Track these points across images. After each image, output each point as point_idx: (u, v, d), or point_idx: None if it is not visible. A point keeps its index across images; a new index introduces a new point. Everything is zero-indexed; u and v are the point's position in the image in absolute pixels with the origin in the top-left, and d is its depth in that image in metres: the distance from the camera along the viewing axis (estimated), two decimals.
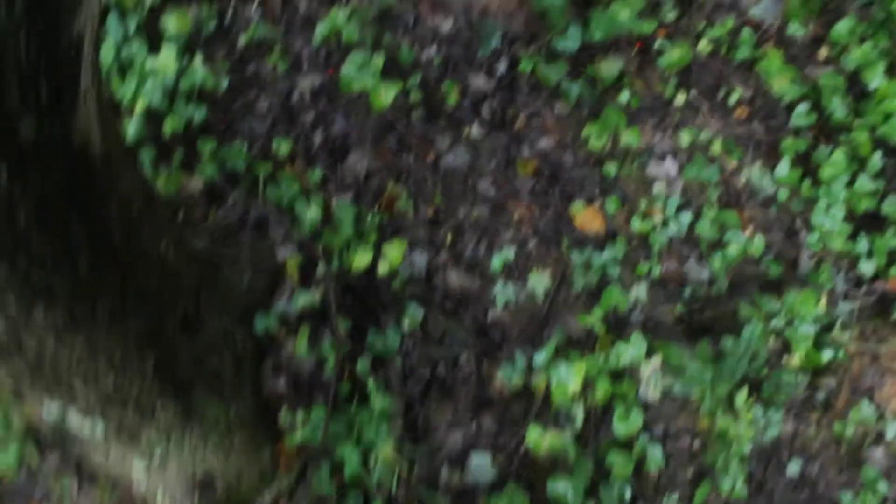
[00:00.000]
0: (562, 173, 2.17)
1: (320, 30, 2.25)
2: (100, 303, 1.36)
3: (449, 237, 2.13)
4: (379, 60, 2.19)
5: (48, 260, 1.18)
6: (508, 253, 2.11)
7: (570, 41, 2.18)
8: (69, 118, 1.16)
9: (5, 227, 1.09)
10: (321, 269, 2.08)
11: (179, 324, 1.67)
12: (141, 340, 1.51)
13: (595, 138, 2.13)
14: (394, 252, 2.06)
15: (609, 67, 2.20)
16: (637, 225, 2.13)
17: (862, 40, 2.36)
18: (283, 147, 2.17)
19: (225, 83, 2.25)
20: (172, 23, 2.27)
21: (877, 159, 2.26)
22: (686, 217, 2.14)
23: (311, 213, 2.10)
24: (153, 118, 2.21)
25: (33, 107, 1.06)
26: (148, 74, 2.23)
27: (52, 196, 1.15)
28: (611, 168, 2.16)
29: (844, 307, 2.19)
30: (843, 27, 2.33)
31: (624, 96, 2.21)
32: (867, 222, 2.23)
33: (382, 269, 2.07)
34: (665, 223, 2.14)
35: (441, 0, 2.30)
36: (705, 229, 2.14)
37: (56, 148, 1.14)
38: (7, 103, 1.02)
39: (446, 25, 2.28)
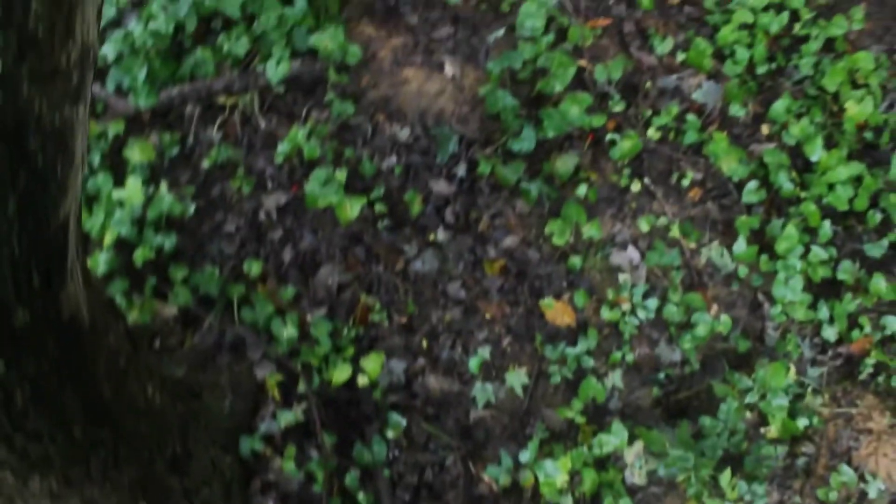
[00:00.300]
0: (529, 270, 2.23)
1: (281, 149, 2.31)
2: (93, 461, 1.37)
3: (424, 343, 2.16)
4: (342, 175, 2.24)
5: (44, 434, 1.20)
6: (484, 353, 2.15)
7: (525, 142, 2.26)
8: (59, 295, 1.19)
9: (3, 411, 1.11)
10: (302, 385, 2.10)
11: (169, 464, 1.68)
12: (133, 487, 1.52)
13: (558, 234, 2.20)
14: (372, 365, 2.09)
15: (564, 164, 2.27)
16: (606, 315, 2.19)
17: (799, 116, 2.48)
18: (254, 267, 2.20)
19: (192, 208, 2.29)
20: (136, 153, 2.31)
21: (826, 228, 2.35)
22: (653, 303, 2.20)
23: (287, 331, 2.13)
24: (123, 248, 2.23)
25: (26, 296, 1.09)
26: (115, 205, 2.26)
27: (47, 373, 1.17)
28: (576, 261, 2.23)
29: (813, 373, 2.25)
30: (779, 106, 2.44)
31: (581, 190, 2.29)
32: (825, 289, 2.32)
33: (362, 381, 2.09)
34: (633, 310, 2.20)
35: (396, 109, 2.38)
36: (672, 313, 2.20)
37: (48, 326, 1.17)
38: (2, 297, 1.05)
39: (404, 134, 2.35)
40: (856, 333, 2.29)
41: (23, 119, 0.98)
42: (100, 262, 2.20)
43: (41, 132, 1.01)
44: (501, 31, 2.47)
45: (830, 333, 2.27)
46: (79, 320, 1.28)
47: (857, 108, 2.49)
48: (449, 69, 2.42)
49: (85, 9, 0.97)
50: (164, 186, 2.29)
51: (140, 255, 2.20)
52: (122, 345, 1.51)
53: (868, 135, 2.52)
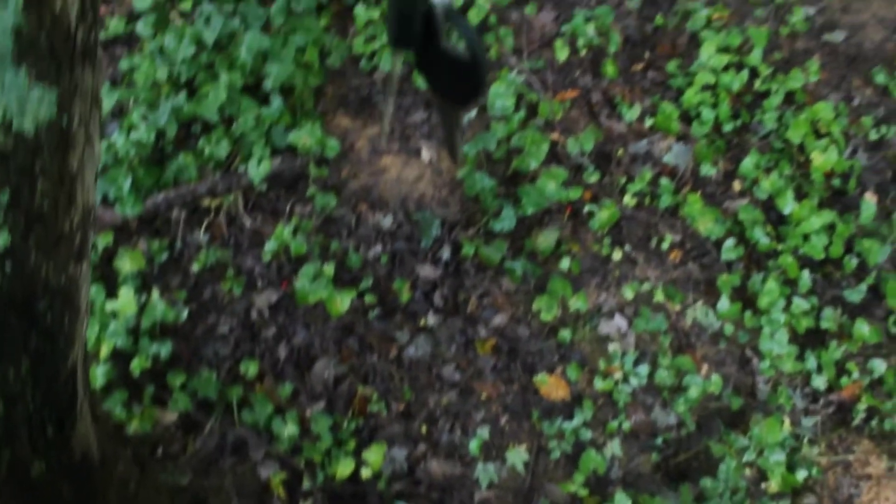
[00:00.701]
0: (520, 347, 2.27)
1: (269, 247, 2.35)
2: None
3: (424, 428, 2.19)
4: (329, 269, 2.29)
5: None
6: (483, 433, 2.18)
7: (506, 221, 2.32)
8: (70, 439, 1.22)
9: None
10: (307, 482, 2.12)
11: None
12: None
13: (545, 310, 2.25)
14: (374, 456, 2.11)
15: (546, 239, 2.33)
16: (600, 385, 2.23)
17: (768, 170, 2.55)
18: (250, 368, 2.23)
19: (185, 313, 2.32)
20: (126, 263, 2.35)
21: (806, 278, 2.41)
22: (644, 369, 2.24)
23: (287, 429, 2.16)
24: (120, 359, 2.26)
25: (42, 448, 1.12)
26: (109, 317, 2.30)
27: None
28: (565, 334, 2.27)
29: (808, 423, 2.29)
30: (748, 162, 2.52)
31: (565, 263, 2.34)
32: (810, 339, 2.37)
33: (366, 473, 2.12)
34: (625, 378, 2.24)
35: (378, 198, 2.44)
36: (664, 377, 2.24)
37: (62, 471, 1.20)
38: (19, 450, 1.09)
39: (387, 222, 2.40)
40: (845, 380, 2.33)
41: (31, 286, 1.02)
42: (98, 375, 2.22)
43: (48, 294, 1.05)
44: (473, 113, 2.54)
45: (820, 382, 2.32)
46: (89, 457, 1.31)
47: (823, 158, 2.57)
48: (426, 154, 2.48)
49: (85, 176, 1.02)
50: (155, 293, 2.32)
51: (137, 365, 2.23)
52: (130, 471, 1.53)
53: (836, 182, 2.60)
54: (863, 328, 2.36)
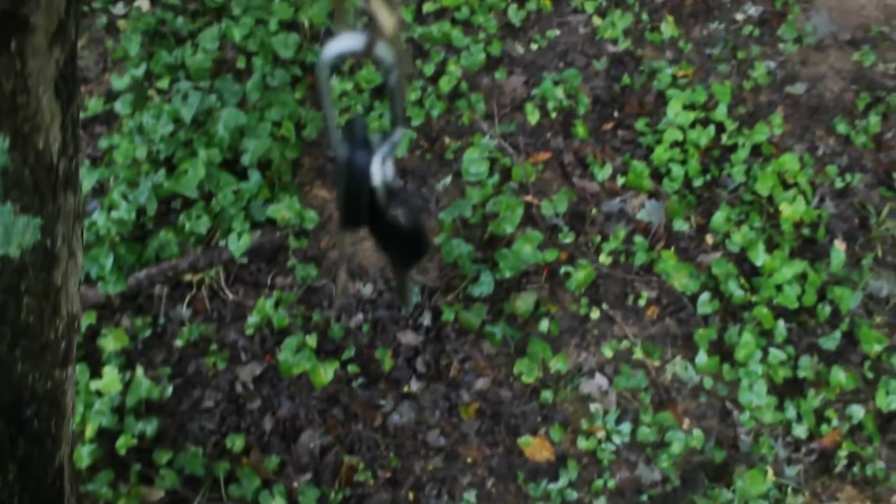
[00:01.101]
0: (503, 410, 2.29)
1: (251, 320, 2.38)
2: None
3: (411, 495, 2.20)
4: (312, 340, 2.32)
5: None
6: (470, 497, 2.19)
7: (484, 286, 2.36)
8: None
9: None
10: None
11: None
12: None
13: (526, 373, 2.28)
14: None
15: (524, 302, 2.37)
16: (583, 444, 2.25)
17: (739, 223, 2.62)
18: (237, 442, 2.24)
19: (169, 389, 2.34)
20: (110, 342, 2.37)
21: (781, 328, 2.46)
22: (626, 427, 2.27)
23: (276, 502, 2.16)
24: (105, 437, 2.26)
25: None
26: (94, 396, 2.31)
27: None
28: (547, 396, 2.30)
29: (791, 472, 2.32)
30: (719, 217, 2.58)
31: (544, 325, 2.38)
32: (789, 388, 2.40)
33: None
34: (608, 437, 2.26)
35: (357, 267, 2.48)
36: (646, 434, 2.27)
37: None
38: None
39: (367, 290, 2.44)
40: (825, 427, 2.37)
41: (18, 394, 1.05)
42: (83, 455, 2.22)
43: (35, 400, 1.07)
44: (448, 179, 2.60)
45: (801, 431, 2.35)
46: None
47: (791, 208, 2.63)
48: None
49: (69, 287, 1.05)
50: (140, 371, 2.34)
51: (123, 444, 2.24)
52: None
53: (805, 231, 2.66)
54: (839, 375, 2.40)
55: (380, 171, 0.53)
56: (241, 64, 2.81)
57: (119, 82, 2.77)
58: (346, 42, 0.45)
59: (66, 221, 0.93)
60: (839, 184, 2.77)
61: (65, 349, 1.11)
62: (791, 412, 2.36)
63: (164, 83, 2.77)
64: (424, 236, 0.55)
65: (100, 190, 2.63)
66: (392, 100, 0.49)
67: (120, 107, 2.73)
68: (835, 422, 2.37)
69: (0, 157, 0.77)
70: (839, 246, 2.65)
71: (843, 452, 2.34)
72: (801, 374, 2.41)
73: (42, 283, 0.97)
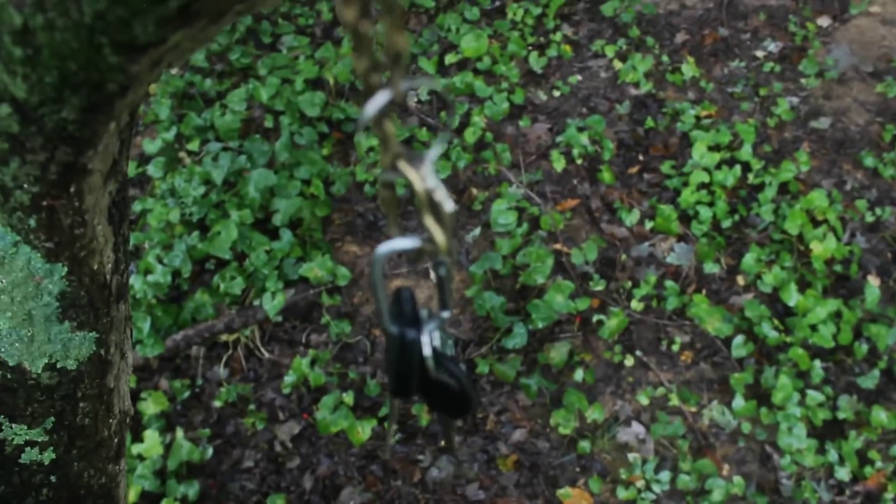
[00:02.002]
0: (541, 461, 2.29)
1: (288, 379, 2.40)
2: None
3: None
4: (349, 398, 2.34)
5: None
6: None
7: (517, 338, 2.37)
8: None
9: None
10: None
11: None
12: None
13: (563, 424, 2.28)
14: None
15: (558, 352, 2.38)
16: (623, 494, 2.24)
17: (770, 263, 2.61)
18: (277, 502, 2.26)
19: (210, 451, 2.36)
20: (150, 405, 2.40)
21: (818, 368, 2.44)
22: (665, 475, 2.26)
23: None
24: (148, 501, 2.29)
25: None
26: (136, 460, 2.34)
27: None
28: (585, 446, 2.30)
29: None
30: (749, 258, 2.58)
31: (578, 374, 2.38)
32: (829, 430, 2.38)
33: None
34: (648, 486, 2.25)
35: None
36: (686, 482, 2.25)
37: None
38: None
39: None
40: (868, 469, 2.34)
41: (74, 491, 1.07)
42: None
43: (91, 495, 1.10)
44: (478, 230, 2.62)
45: (843, 474, 2.32)
46: None
47: (822, 245, 2.62)
48: (434, 275, 2.55)
49: (121, 386, 1.08)
50: (180, 433, 2.37)
51: None
52: None
53: (837, 268, 2.65)
54: (880, 414, 2.38)
55: (429, 344, 0.56)
56: (268, 123, 2.86)
57: (151, 146, 2.83)
58: (400, 244, 0.50)
59: (118, 329, 0.97)
60: (869, 218, 2.75)
61: (117, 445, 1.14)
62: (833, 454, 2.34)
63: (194, 145, 2.83)
64: (471, 395, 0.58)
65: (135, 253, 2.68)
66: (441, 287, 0.53)
67: (152, 170, 2.78)
68: (878, 463, 2.34)
69: (59, 282, 0.80)
70: (873, 281, 2.64)
71: (889, 494, 2.31)
72: (841, 414, 2.39)
73: (97, 388, 1.00)
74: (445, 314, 0.56)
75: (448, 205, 0.47)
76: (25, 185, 0.72)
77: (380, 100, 0.43)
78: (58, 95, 0.62)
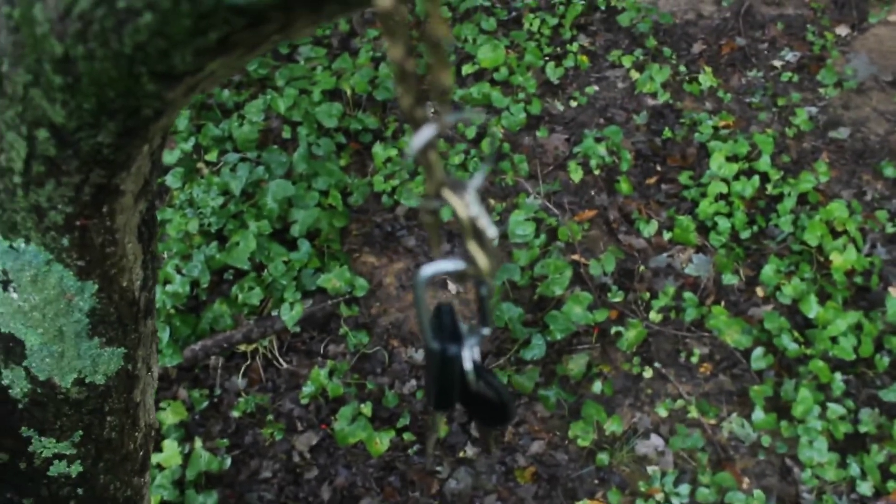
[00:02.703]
0: (559, 473, 2.28)
1: (306, 390, 2.41)
2: None
3: None
4: (367, 409, 2.34)
5: None
6: None
7: (536, 349, 2.37)
8: None
9: None
10: None
11: None
12: None
13: (582, 435, 2.27)
14: None
15: (577, 363, 2.37)
16: None
17: (789, 275, 2.59)
18: None
19: (228, 461, 2.37)
20: (169, 415, 2.41)
21: (838, 381, 2.42)
22: (685, 488, 2.24)
23: None
24: None
25: None
26: (155, 470, 2.34)
27: None
28: (603, 458, 2.28)
29: None
30: (769, 269, 2.56)
31: (597, 386, 2.37)
32: (850, 444, 2.36)
33: None
34: (667, 499, 2.24)
35: (409, 332, 2.50)
36: (705, 495, 2.24)
37: None
38: None
39: (418, 356, 2.46)
40: (891, 484, 2.31)
41: (100, 502, 1.08)
42: None
43: None
44: (496, 241, 2.62)
45: (866, 488, 2.30)
46: None
47: (842, 257, 2.61)
48: (452, 285, 2.55)
49: (146, 400, 1.08)
50: (198, 443, 2.37)
51: None
52: None
53: (858, 279, 2.63)
54: None
55: (469, 359, 0.57)
56: (286, 134, 2.88)
57: (170, 157, 2.84)
58: (443, 266, 0.51)
59: (145, 344, 0.97)
60: (890, 229, 2.74)
61: (142, 458, 1.14)
62: (854, 468, 2.31)
63: (212, 156, 2.84)
64: (510, 406, 0.59)
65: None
66: (482, 306, 0.54)
67: (171, 180, 2.80)
68: None
69: (90, 300, 0.81)
70: (894, 293, 2.61)
71: None
72: (863, 428, 2.37)
73: (123, 402, 1.01)
74: (486, 331, 0.57)
75: (491, 231, 0.48)
76: (59, 206, 0.74)
77: (426, 133, 0.44)
78: (95, 121, 0.63)
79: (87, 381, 0.91)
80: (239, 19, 0.49)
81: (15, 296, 0.80)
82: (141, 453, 1.12)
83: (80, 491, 1.04)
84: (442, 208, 0.50)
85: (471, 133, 2.87)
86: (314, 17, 0.52)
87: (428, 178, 0.48)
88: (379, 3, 0.39)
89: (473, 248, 0.50)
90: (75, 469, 1.01)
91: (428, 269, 0.53)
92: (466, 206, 0.48)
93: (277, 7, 0.48)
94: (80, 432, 0.97)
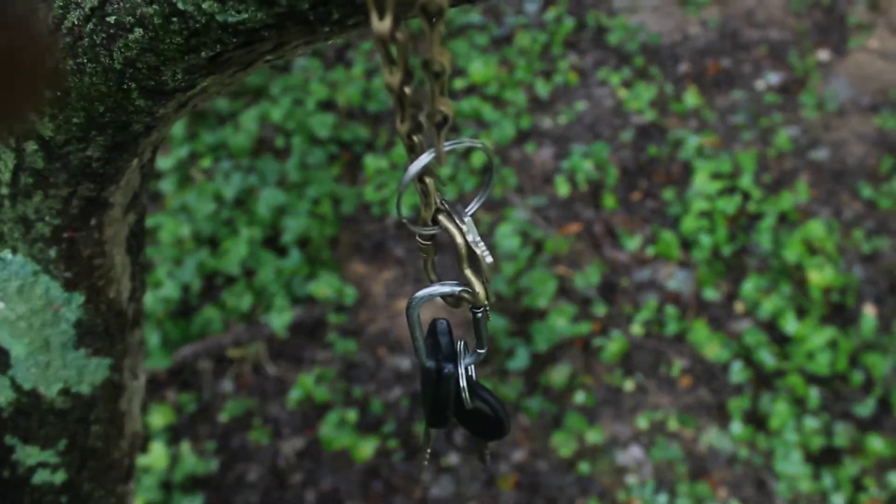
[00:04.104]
0: (541, 482, 2.33)
1: (293, 395, 2.45)
2: None
3: None
4: (353, 415, 2.38)
5: None
6: None
7: (520, 360, 2.42)
8: None
9: None
10: None
11: None
12: None
13: (563, 446, 2.32)
14: None
15: (560, 374, 2.42)
16: None
17: (768, 291, 2.66)
18: None
19: (214, 463, 2.40)
20: (158, 418, 2.44)
21: (814, 396, 2.48)
22: (663, 498, 2.30)
23: None
24: None
25: None
26: (141, 472, 2.37)
27: None
28: (584, 467, 2.33)
29: None
30: (749, 286, 2.63)
31: (579, 397, 2.43)
32: (825, 457, 2.42)
33: None
34: None
35: (396, 341, 2.54)
36: None
37: None
38: None
39: (404, 364, 2.50)
40: (863, 496, 2.37)
41: None
42: None
43: None
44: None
45: (839, 500, 2.36)
46: None
47: (820, 275, 2.68)
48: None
49: (132, 409, 1.12)
50: (185, 446, 2.41)
51: None
52: None
53: (835, 297, 2.70)
54: (875, 442, 2.42)
55: (464, 377, 0.59)
56: (280, 143, 2.92)
57: (164, 162, 2.88)
58: (438, 290, 0.53)
59: (133, 354, 0.99)
60: (866, 248, 2.81)
61: (128, 466, 1.17)
62: (828, 481, 2.37)
63: (206, 163, 2.88)
64: (505, 421, 0.61)
65: (146, 268, 2.72)
66: (477, 328, 0.56)
67: (165, 186, 2.84)
68: (873, 490, 2.38)
69: (76, 310, 0.82)
70: (869, 311, 2.68)
71: None
72: (837, 442, 2.43)
73: (109, 411, 1.02)
74: (482, 351, 0.58)
75: (487, 258, 0.50)
76: (47, 218, 0.74)
77: (423, 160, 0.46)
78: (84, 135, 0.63)
79: (72, 391, 0.92)
80: (231, 38, 0.48)
81: (1, 305, 0.80)
82: (126, 461, 1.15)
83: (63, 499, 1.06)
84: (437, 233, 0.53)
85: (460, 146, 2.92)
86: (309, 37, 0.51)
87: (425, 205, 0.50)
88: (376, 28, 0.40)
89: (469, 273, 0.52)
90: (59, 477, 1.03)
91: (422, 293, 0.55)
92: (464, 232, 0.51)
93: (271, 26, 0.47)
94: (65, 441, 0.99)
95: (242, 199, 2.75)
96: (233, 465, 2.43)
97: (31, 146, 0.67)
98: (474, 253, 0.50)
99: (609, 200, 2.84)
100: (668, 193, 2.88)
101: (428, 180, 0.49)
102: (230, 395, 2.52)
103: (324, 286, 2.53)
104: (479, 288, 0.52)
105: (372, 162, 2.85)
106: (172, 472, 2.37)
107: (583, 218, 2.82)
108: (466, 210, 0.52)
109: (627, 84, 3.24)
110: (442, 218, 0.51)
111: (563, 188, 2.86)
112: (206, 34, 0.49)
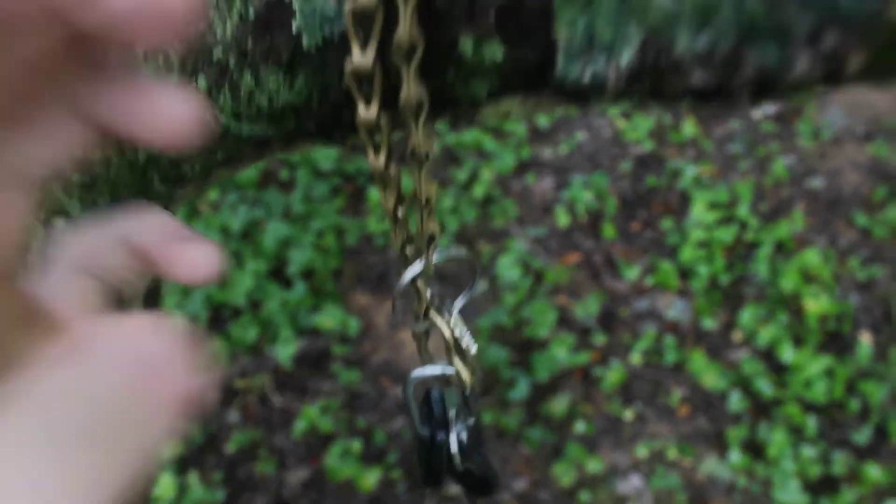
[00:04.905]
0: None
1: (298, 426, 2.49)
2: None
3: None
4: (357, 446, 2.42)
5: None
6: None
7: (520, 391, 2.46)
8: None
9: None
10: None
11: None
12: None
13: (564, 475, 2.36)
14: None
15: (560, 404, 2.46)
16: None
17: (766, 320, 2.70)
18: None
19: (221, 493, 2.44)
20: (166, 448, 2.48)
21: (812, 424, 2.52)
22: None
23: None
24: None
25: None
26: (151, 502, 2.42)
27: None
28: (585, 496, 2.37)
29: None
30: (746, 316, 2.67)
31: (579, 426, 2.47)
32: (823, 485, 2.46)
33: None
34: None
35: (399, 372, 2.59)
36: None
37: None
38: None
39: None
40: None
41: None
42: None
43: None
44: (486, 285, 2.72)
45: None
46: None
47: (816, 304, 2.72)
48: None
49: None
50: (193, 476, 2.45)
51: None
52: None
53: (831, 325, 2.74)
54: (872, 470, 2.46)
55: (456, 443, 0.65)
56: (284, 175, 2.98)
57: None
58: (430, 371, 0.60)
59: None
60: (862, 276, 2.85)
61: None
62: None
63: (213, 195, 2.94)
64: (493, 481, 0.67)
65: (154, 300, 2.77)
66: (466, 403, 0.63)
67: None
68: None
69: None
70: (865, 339, 2.73)
71: None
72: (835, 469, 2.47)
73: None
74: (471, 420, 0.65)
75: (473, 349, 0.58)
76: None
77: (414, 269, 0.54)
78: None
79: None
80: (245, 144, 0.56)
81: None
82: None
83: None
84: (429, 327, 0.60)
85: (462, 177, 2.99)
86: (312, 142, 0.60)
87: (417, 303, 0.58)
88: (374, 166, 0.49)
89: (457, 362, 0.59)
90: None
91: (416, 373, 0.63)
92: (451, 327, 0.58)
93: (280, 139, 0.56)
94: None
95: (248, 231, 2.81)
96: (239, 494, 2.47)
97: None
98: (461, 345, 0.57)
99: (608, 230, 2.89)
100: (667, 223, 2.93)
101: (419, 283, 0.56)
102: (237, 425, 2.56)
103: (328, 317, 2.58)
104: (465, 375, 0.58)
105: (375, 194, 2.90)
106: (181, 501, 2.41)
107: (583, 248, 2.87)
108: (454, 305, 0.58)
109: (626, 115, 3.30)
110: (432, 314, 0.58)
111: (563, 218, 2.91)
112: (223, 141, 0.56)
